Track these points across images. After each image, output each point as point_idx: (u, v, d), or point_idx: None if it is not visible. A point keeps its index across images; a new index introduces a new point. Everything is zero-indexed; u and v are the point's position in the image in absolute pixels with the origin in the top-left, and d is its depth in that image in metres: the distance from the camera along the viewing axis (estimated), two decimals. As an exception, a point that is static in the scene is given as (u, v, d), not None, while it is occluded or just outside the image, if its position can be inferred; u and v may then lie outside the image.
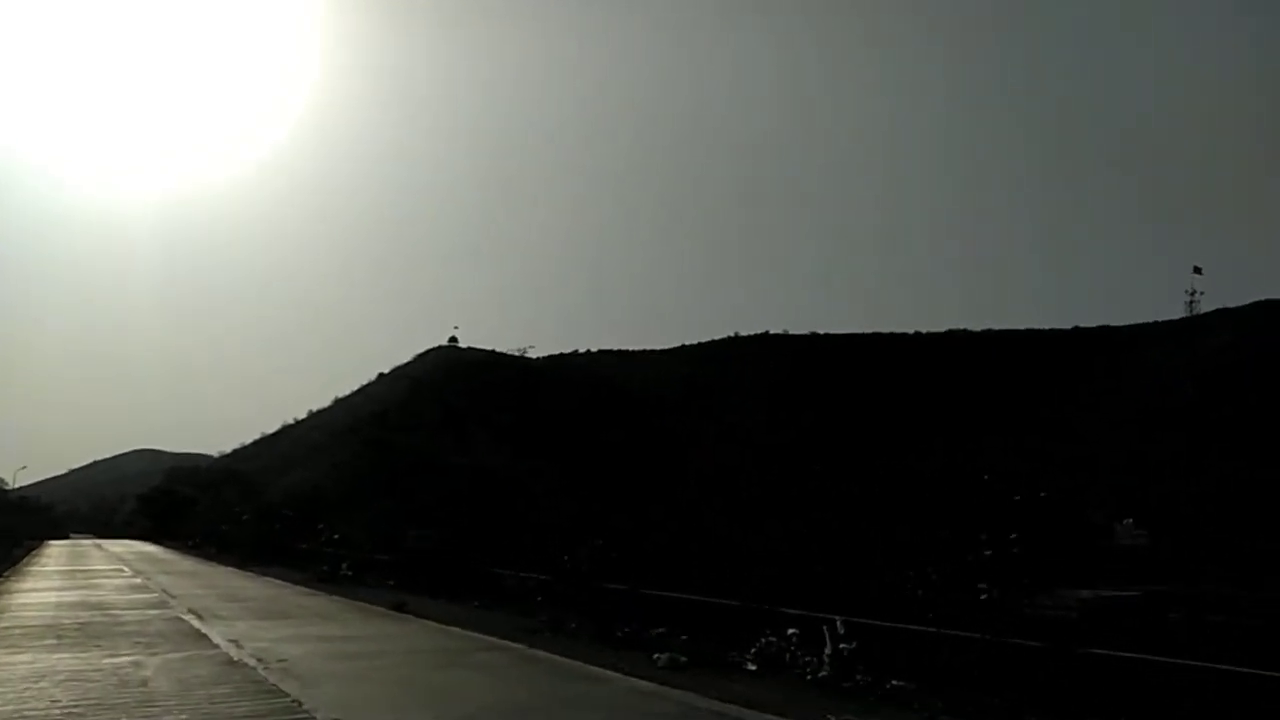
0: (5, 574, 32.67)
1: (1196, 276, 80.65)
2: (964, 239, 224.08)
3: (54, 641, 14.73)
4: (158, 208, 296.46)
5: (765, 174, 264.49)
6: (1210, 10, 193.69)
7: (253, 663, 12.25)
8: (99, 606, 20.50)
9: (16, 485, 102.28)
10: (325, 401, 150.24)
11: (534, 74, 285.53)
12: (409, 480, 45.04)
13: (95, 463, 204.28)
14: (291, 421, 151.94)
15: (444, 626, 16.94)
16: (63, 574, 33.10)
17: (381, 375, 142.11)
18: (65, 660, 12.64)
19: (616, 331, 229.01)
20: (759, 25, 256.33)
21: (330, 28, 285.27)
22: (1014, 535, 12.48)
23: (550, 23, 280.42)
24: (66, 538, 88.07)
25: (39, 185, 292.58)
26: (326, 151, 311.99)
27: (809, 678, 12.13)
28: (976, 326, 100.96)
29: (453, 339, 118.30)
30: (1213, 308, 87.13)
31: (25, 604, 21.46)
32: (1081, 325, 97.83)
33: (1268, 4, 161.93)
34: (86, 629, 16.34)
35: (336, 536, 32.71)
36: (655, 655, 13.46)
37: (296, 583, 29.08)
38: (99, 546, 63.96)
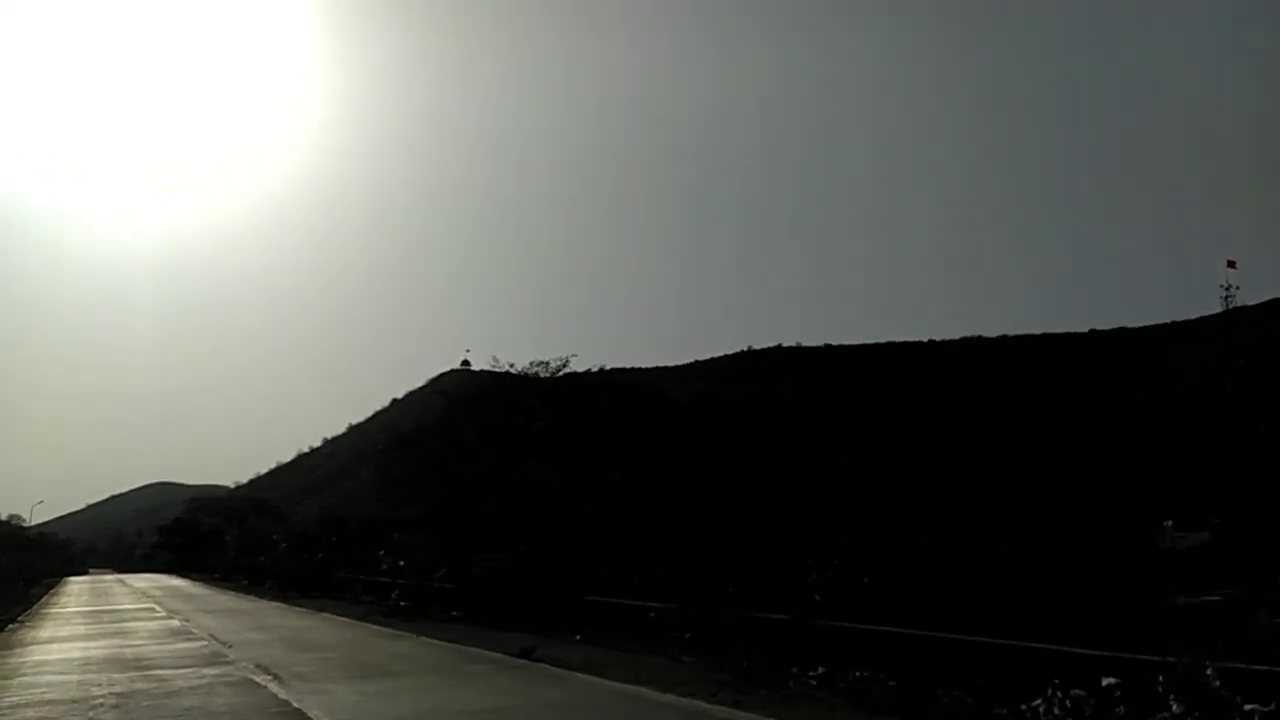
0: (20, 619, 27.23)
1: (1231, 271, 75.56)
2: (974, 246, 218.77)
3: (85, 734, 9.57)
4: (164, 241, 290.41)
5: (775, 186, 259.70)
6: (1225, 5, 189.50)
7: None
8: (138, 664, 15.22)
9: (34, 522, 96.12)
10: (339, 429, 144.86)
11: (539, 92, 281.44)
12: (458, 501, 39.77)
13: (112, 497, 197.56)
14: (307, 450, 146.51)
15: (623, 686, 11.77)
16: (87, 617, 27.67)
17: (395, 401, 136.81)
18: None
19: (626, 349, 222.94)
20: (771, 40, 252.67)
21: (329, 53, 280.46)
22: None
23: (558, 38, 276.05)
24: (86, 574, 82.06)
25: (47, 221, 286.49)
26: (328, 180, 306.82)
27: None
28: (991, 333, 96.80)
29: (465, 361, 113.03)
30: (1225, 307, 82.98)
31: (43, 662, 16.15)
32: (1098, 328, 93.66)
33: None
34: (128, 704, 11.13)
35: (402, 564, 27.43)
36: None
37: (360, 619, 23.82)
38: (122, 582, 58.15)
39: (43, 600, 37.55)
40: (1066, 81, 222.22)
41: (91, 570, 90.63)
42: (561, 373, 52.83)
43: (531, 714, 10.10)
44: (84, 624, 24.87)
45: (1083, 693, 10.07)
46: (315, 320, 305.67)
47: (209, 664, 14.82)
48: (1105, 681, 10.02)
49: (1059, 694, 10.19)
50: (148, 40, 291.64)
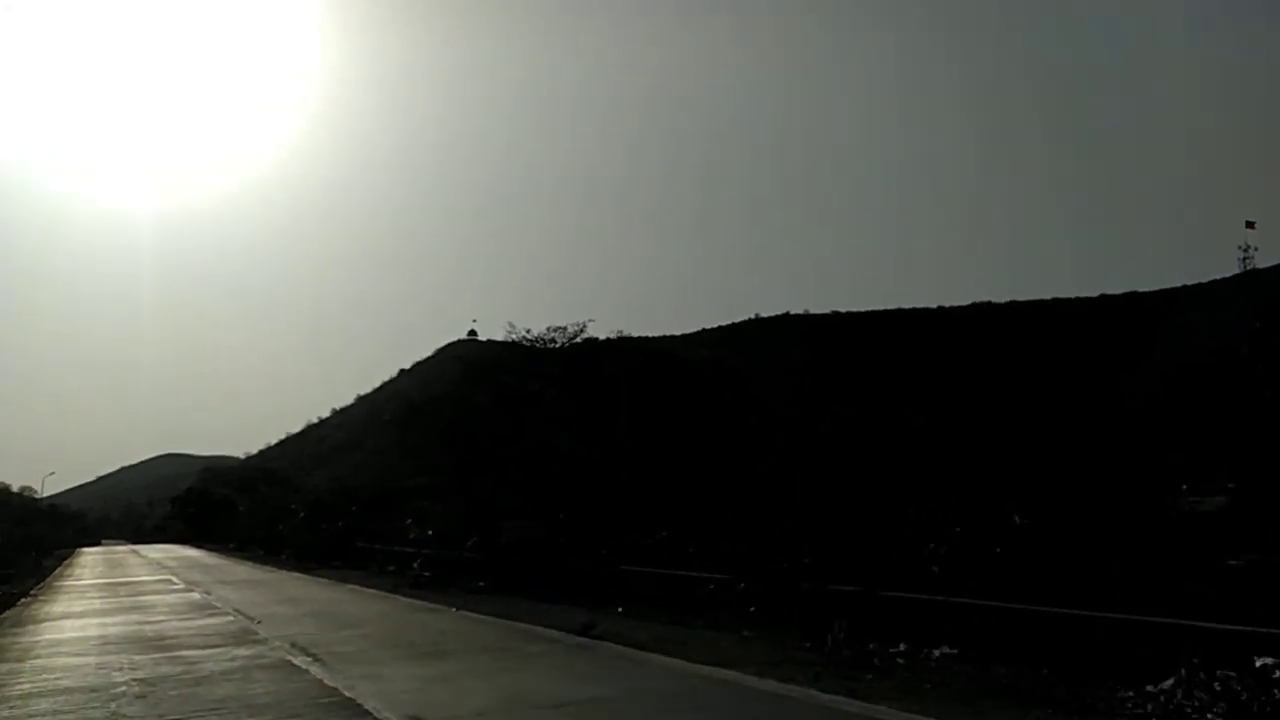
0: (33, 592, 25.80)
1: (1250, 231, 73.42)
2: (982, 211, 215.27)
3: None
4: (172, 214, 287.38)
5: (781, 154, 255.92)
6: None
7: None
8: (161, 643, 13.73)
9: (45, 494, 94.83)
10: (348, 399, 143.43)
11: (538, 65, 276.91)
12: (477, 468, 38.32)
13: (123, 468, 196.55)
14: (316, 421, 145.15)
15: (710, 670, 10.22)
16: (102, 590, 26.23)
17: (403, 371, 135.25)
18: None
19: (634, 318, 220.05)
20: (787, 23, 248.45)
21: (331, 24, 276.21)
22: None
23: (572, 7, 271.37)
24: (99, 544, 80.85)
25: (51, 195, 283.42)
26: (333, 152, 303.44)
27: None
28: (1001, 299, 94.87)
29: (472, 332, 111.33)
30: (1232, 273, 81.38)
31: (57, 641, 14.65)
32: (1109, 293, 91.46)
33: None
34: (155, 694, 9.62)
35: (430, 532, 25.92)
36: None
37: (388, 590, 22.36)
38: (136, 553, 56.84)
39: (56, 572, 36.17)
40: (1079, 46, 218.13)
41: (104, 541, 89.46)
42: (580, 338, 51.29)
43: (628, 705, 8.58)
44: (100, 598, 23.42)
45: (1232, 674, 8.62)
46: (322, 291, 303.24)
47: (239, 643, 13.32)
48: (1260, 662, 8.58)
49: (1201, 674, 8.72)
50: (158, 29, 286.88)
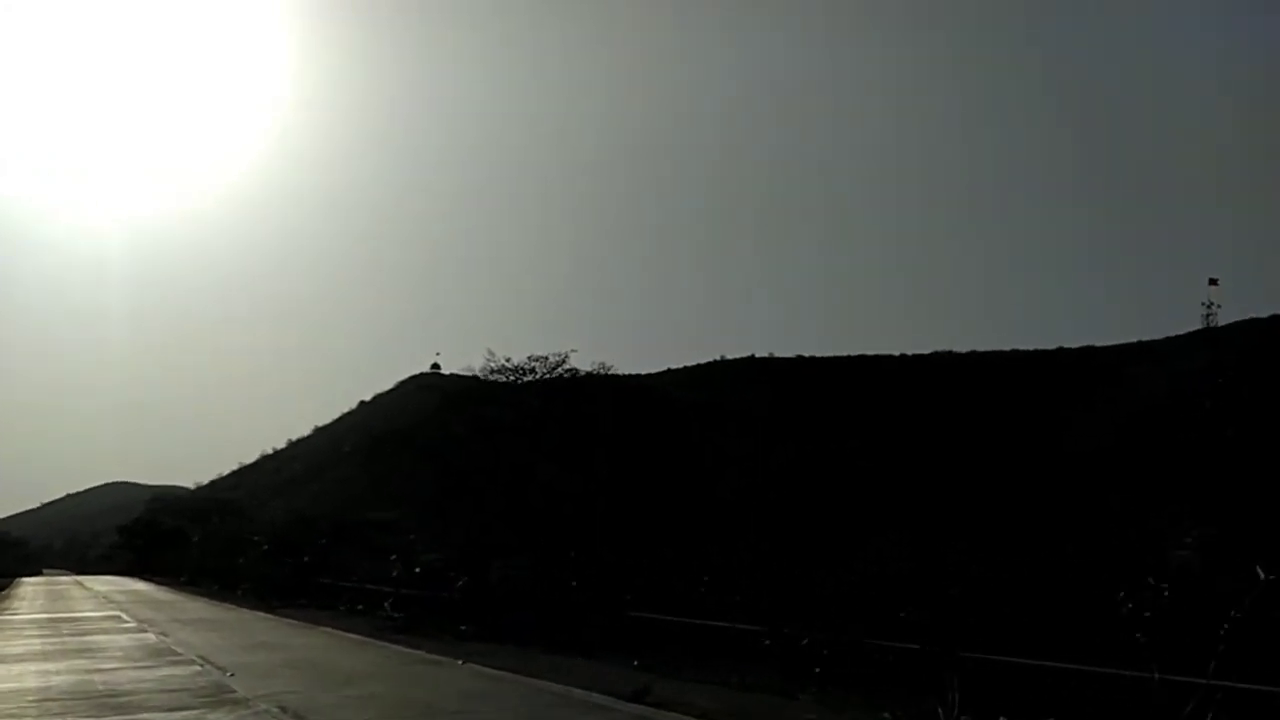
0: (-36, 628, 22.57)
1: (1213, 289, 73.04)
2: (947, 261, 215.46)
3: None
4: (124, 236, 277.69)
5: (747, 196, 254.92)
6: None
7: None
8: (114, 703, 11.00)
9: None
10: (304, 431, 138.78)
11: (503, 93, 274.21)
12: (454, 497, 35.67)
13: (67, 496, 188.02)
14: (270, 451, 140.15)
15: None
16: (42, 627, 23.04)
17: (363, 403, 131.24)
18: None
19: (597, 356, 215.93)
20: (740, 49, 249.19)
21: (300, 48, 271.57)
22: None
23: (530, 29, 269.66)
24: (39, 574, 75.74)
25: (10, 208, 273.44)
26: (295, 177, 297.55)
27: None
28: (962, 348, 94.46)
29: (435, 365, 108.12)
30: (1190, 329, 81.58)
31: (-14, 696, 11.86)
32: (1065, 346, 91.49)
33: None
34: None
35: (418, 570, 23.17)
36: None
37: (368, 634, 19.68)
38: (80, 584, 52.68)
39: (-9, 605, 32.59)
40: (1039, 97, 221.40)
41: (46, 571, 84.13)
42: (559, 370, 48.85)
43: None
44: (39, 636, 20.35)
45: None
46: (278, 320, 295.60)
47: (213, 704, 10.67)
48: None
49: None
50: (120, 28, 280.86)
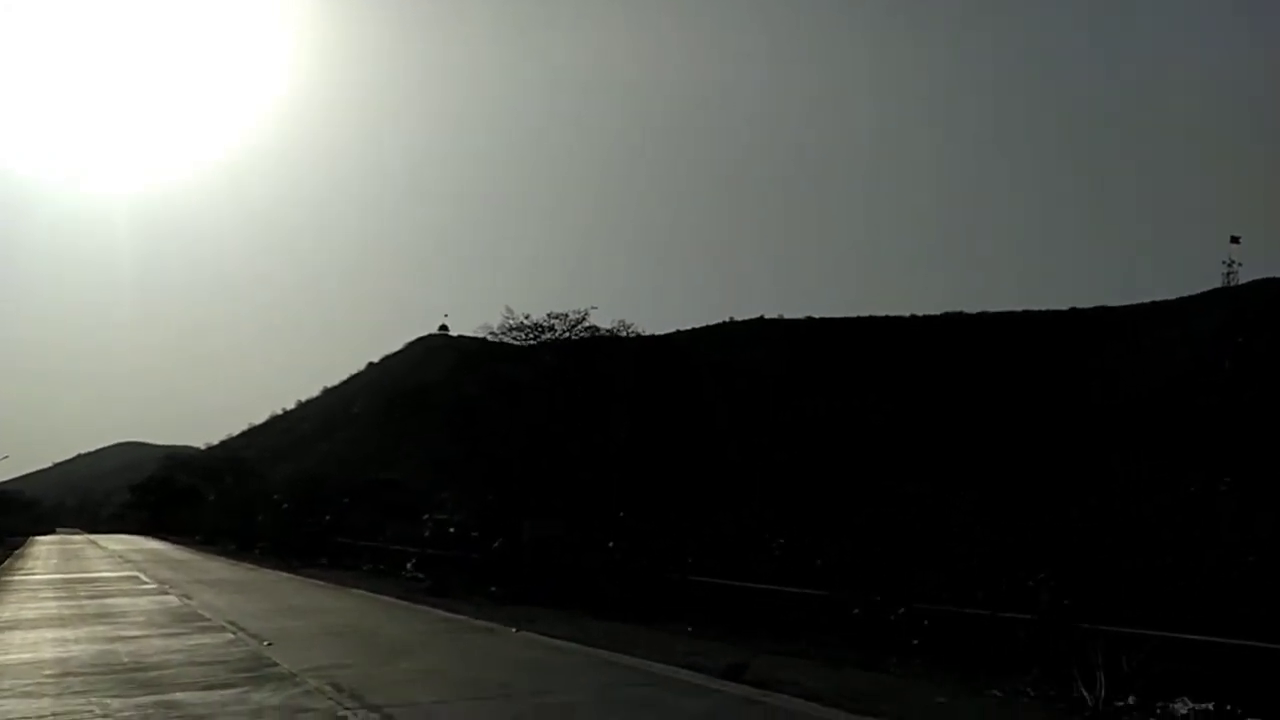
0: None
1: (1234, 246, 71.48)
2: (957, 221, 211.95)
3: None
4: (136, 200, 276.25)
5: (756, 157, 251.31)
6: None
7: None
8: (144, 678, 9.67)
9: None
10: (312, 392, 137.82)
11: (516, 63, 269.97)
12: (473, 458, 34.31)
13: (79, 456, 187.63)
14: (280, 412, 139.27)
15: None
16: (59, 588, 21.83)
17: (372, 364, 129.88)
18: None
19: (607, 317, 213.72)
20: (752, 8, 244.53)
21: (304, 9, 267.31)
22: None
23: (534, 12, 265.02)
24: (53, 533, 74.92)
25: (13, 177, 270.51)
26: (308, 138, 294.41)
27: None
28: (972, 309, 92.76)
29: (443, 326, 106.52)
30: (1207, 288, 79.80)
31: None
32: (1079, 306, 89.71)
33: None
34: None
35: (452, 530, 21.89)
36: None
37: (401, 596, 18.47)
38: (94, 543, 51.65)
39: (5, 564, 31.43)
40: (1052, 59, 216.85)
41: (59, 529, 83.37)
42: (578, 328, 47.21)
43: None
44: (55, 599, 19.11)
45: None
46: (288, 282, 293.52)
47: (255, 681, 9.32)
48: None
49: None
50: (128, 17, 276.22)
